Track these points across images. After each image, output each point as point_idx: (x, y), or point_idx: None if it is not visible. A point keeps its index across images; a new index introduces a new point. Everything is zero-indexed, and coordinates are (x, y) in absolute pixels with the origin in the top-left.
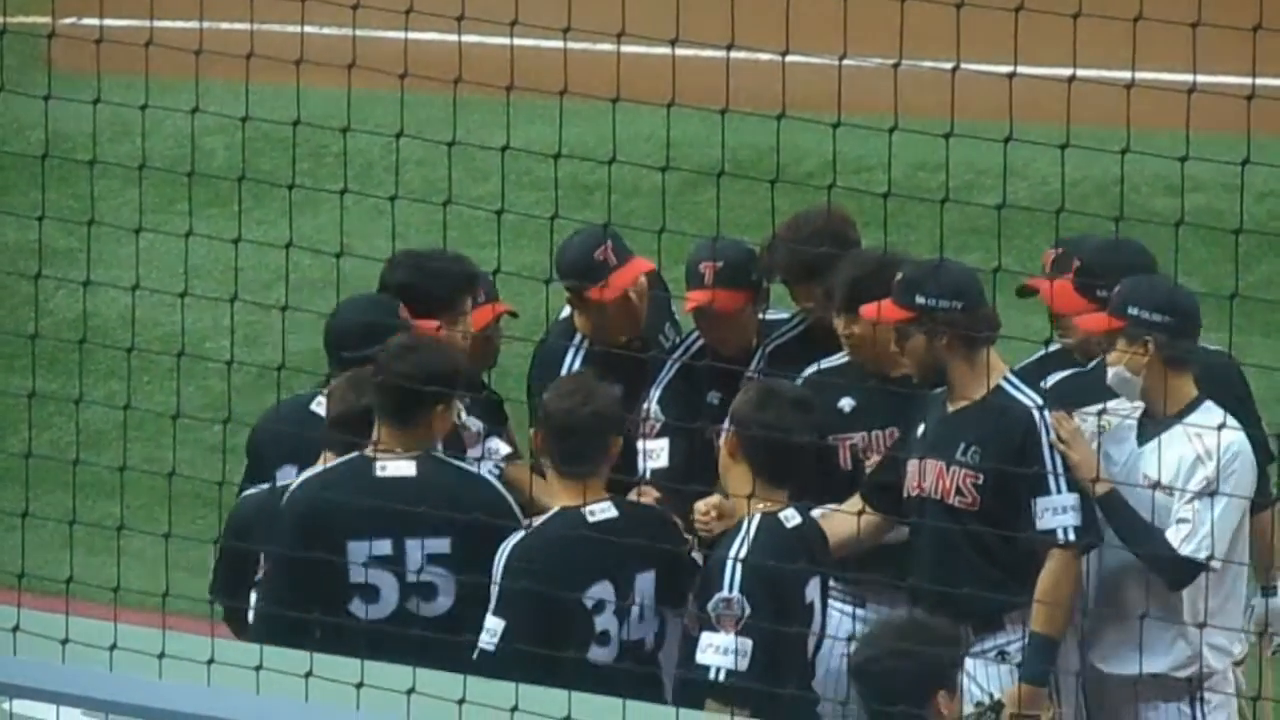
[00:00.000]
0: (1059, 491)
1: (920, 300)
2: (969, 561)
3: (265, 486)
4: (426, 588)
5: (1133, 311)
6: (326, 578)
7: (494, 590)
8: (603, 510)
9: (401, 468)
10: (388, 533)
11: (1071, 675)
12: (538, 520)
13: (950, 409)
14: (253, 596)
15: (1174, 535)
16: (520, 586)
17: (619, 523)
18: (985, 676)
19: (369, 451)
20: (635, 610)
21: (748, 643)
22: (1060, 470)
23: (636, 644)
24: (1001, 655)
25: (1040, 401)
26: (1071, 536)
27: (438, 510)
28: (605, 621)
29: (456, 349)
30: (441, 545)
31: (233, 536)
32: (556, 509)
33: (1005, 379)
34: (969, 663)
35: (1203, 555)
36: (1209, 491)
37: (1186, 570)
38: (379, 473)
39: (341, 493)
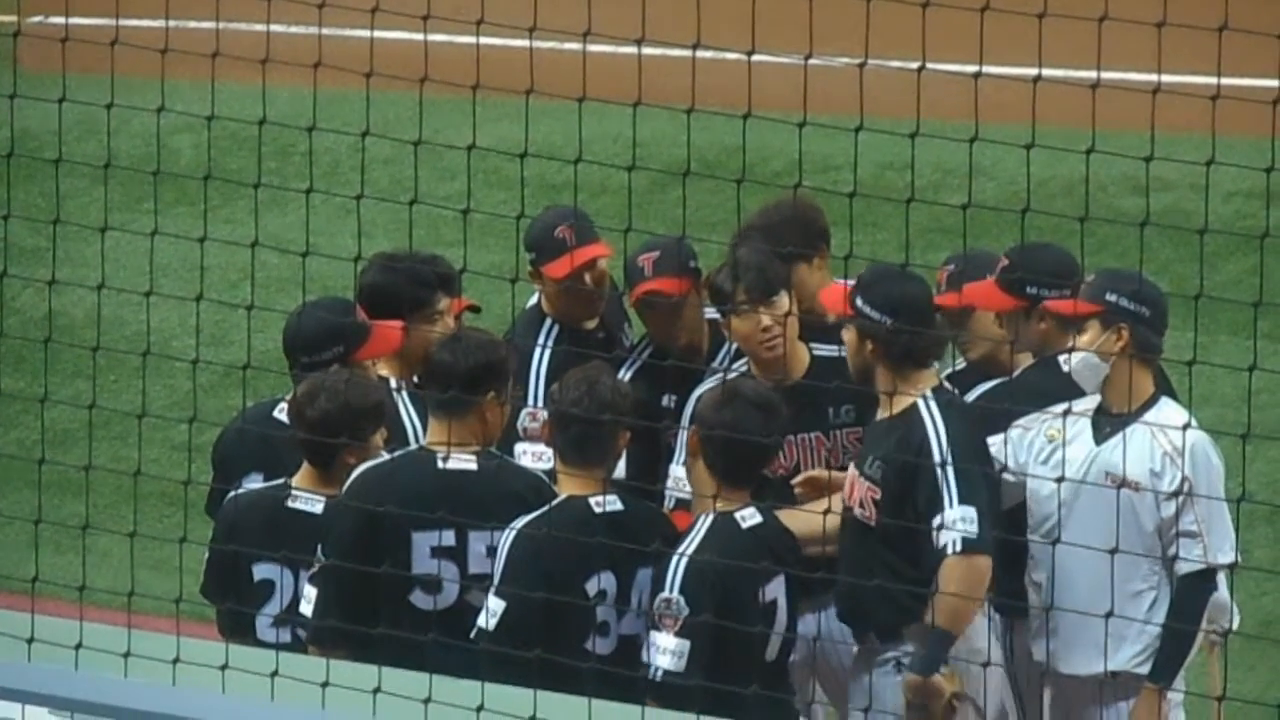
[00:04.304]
0: (950, 506)
1: (858, 303)
2: (873, 571)
3: (257, 486)
4: (486, 579)
5: (1111, 298)
6: (390, 568)
7: (497, 571)
8: (610, 502)
9: (463, 461)
10: (453, 524)
11: (1033, 674)
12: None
13: (876, 419)
14: (309, 589)
15: (1186, 554)
16: (523, 570)
17: (624, 516)
18: (881, 687)
19: (428, 445)
20: (634, 604)
21: (685, 644)
22: (953, 485)
23: (633, 639)
24: (898, 665)
25: (940, 424)
26: (959, 547)
27: (501, 504)
28: (605, 613)
29: (426, 345)
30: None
31: (224, 537)
32: (563, 496)
33: (924, 397)
34: (863, 677)
35: (1221, 560)
36: (1188, 493)
37: (1210, 584)
38: (441, 465)
39: (405, 485)
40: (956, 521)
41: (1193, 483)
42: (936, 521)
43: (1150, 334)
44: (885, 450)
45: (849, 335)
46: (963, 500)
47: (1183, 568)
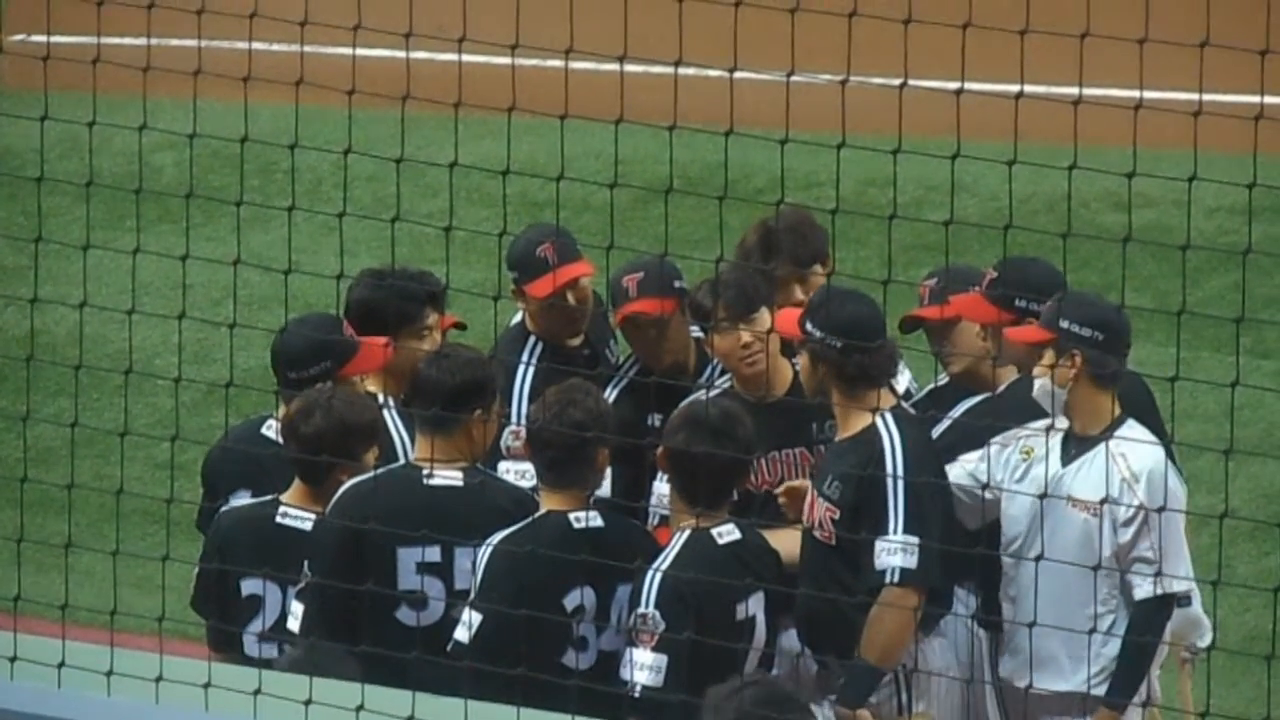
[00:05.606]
0: (895, 532)
1: (808, 327)
2: (831, 593)
3: (248, 501)
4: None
5: (1064, 324)
6: (375, 584)
7: (474, 585)
8: (591, 519)
9: (449, 477)
10: (438, 540)
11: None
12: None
13: (836, 439)
14: (296, 605)
15: (1140, 579)
16: (499, 584)
17: (605, 533)
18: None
19: (414, 461)
20: (614, 620)
21: (662, 658)
22: (900, 510)
23: (613, 655)
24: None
25: (898, 444)
26: (896, 578)
27: (487, 520)
28: (584, 628)
29: (414, 361)
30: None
31: (215, 553)
32: (543, 512)
33: (882, 417)
34: (823, 701)
35: (1175, 588)
36: (1149, 510)
37: (1166, 610)
38: (427, 482)
39: (391, 501)
40: (897, 549)
41: (1148, 509)
42: (880, 545)
43: (1106, 358)
44: (843, 470)
45: (802, 360)
46: (908, 529)
47: (1137, 594)
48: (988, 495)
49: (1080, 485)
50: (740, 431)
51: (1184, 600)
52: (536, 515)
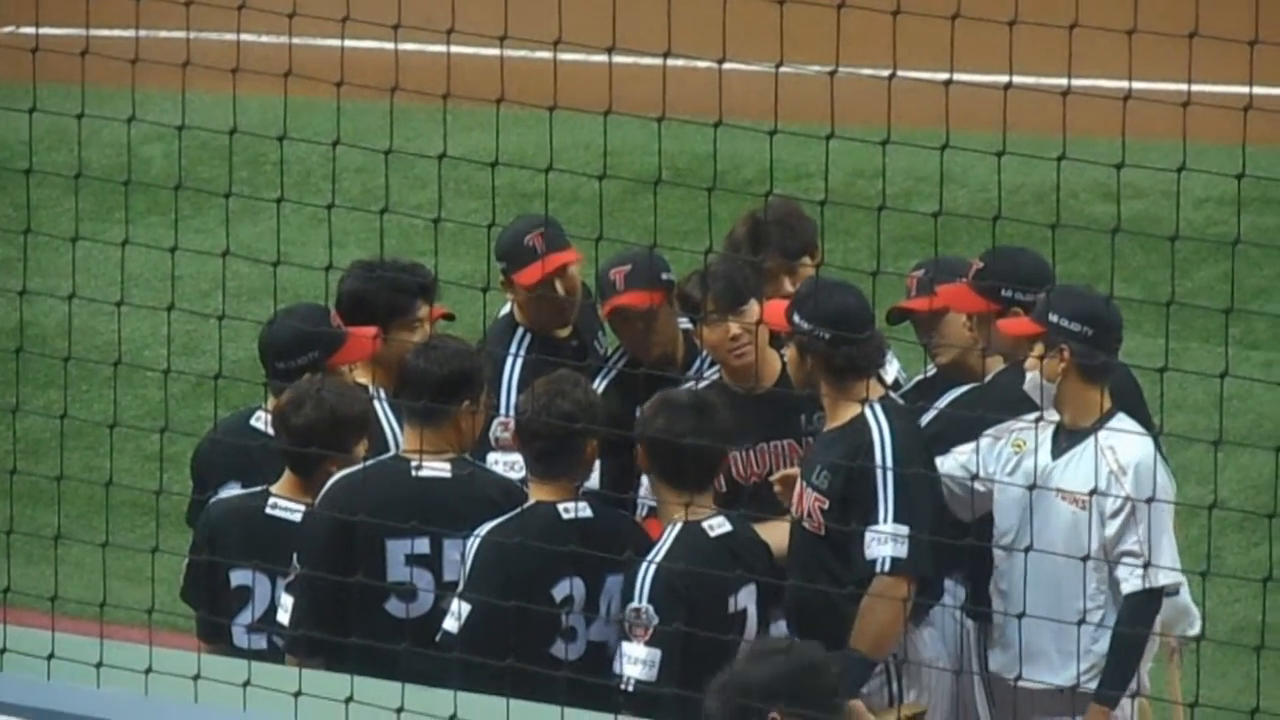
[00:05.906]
0: (885, 521)
1: (796, 319)
2: (821, 583)
3: (237, 492)
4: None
5: (1053, 318)
6: (364, 576)
7: (463, 575)
8: (580, 509)
9: (437, 469)
10: (427, 532)
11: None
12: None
13: (824, 430)
14: (285, 598)
15: (1128, 573)
16: (487, 574)
17: (594, 523)
18: None
19: (402, 453)
20: (603, 611)
21: (656, 652)
22: (890, 499)
23: (602, 645)
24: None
25: (887, 433)
26: (887, 567)
27: (476, 511)
28: (573, 619)
29: (404, 352)
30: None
31: (205, 544)
32: (531, 502)
33: (870, 406)
34: None
35: (1162, 581)
36: (1136, 503)
37: (1154, 604)
38: (415, 473)
39: (380, 492)
40: (887, 539)
41: (1135, 502)
42: (870, 535)
43: (1095, 353)
44: (832, 460)
45: (789, 351)
46: (898, 518)
47: (1125, 588)
48: (978, 487)
49: (1069, 478)
50: (719, 414)
51: (1171, 590)
52: (525, 506)
